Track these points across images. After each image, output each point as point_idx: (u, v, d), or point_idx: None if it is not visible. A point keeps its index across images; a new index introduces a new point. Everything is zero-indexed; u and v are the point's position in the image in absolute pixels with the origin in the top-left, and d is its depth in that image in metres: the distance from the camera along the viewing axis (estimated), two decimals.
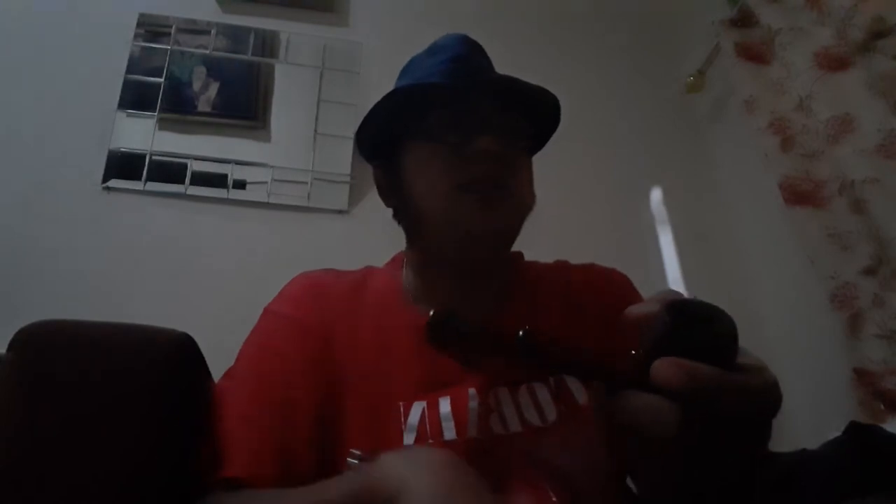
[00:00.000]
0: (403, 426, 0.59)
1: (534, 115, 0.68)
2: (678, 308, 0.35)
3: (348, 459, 0.48)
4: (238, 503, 0.53)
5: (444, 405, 0.60)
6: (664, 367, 0.33)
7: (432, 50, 0.71)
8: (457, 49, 0.68)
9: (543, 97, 0.67)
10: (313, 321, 0.65)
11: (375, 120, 0.66)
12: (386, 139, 0.68)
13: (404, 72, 0.73)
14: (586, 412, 0.62)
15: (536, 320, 0.68)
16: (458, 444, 0.57)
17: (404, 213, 0.70)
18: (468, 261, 0.65)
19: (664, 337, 0.34)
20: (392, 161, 0.69)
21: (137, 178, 1.48)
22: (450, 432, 0.58)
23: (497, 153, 0.60)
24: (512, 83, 0.65)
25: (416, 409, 0.60)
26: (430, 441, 0.58)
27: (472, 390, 0.61)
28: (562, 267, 0.78)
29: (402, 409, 0.60)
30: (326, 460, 0.58)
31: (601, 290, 0.73)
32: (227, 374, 0.65)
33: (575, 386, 0.63)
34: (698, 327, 0.34)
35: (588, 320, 0.69)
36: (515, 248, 0.70)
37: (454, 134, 0.62)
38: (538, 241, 0.76)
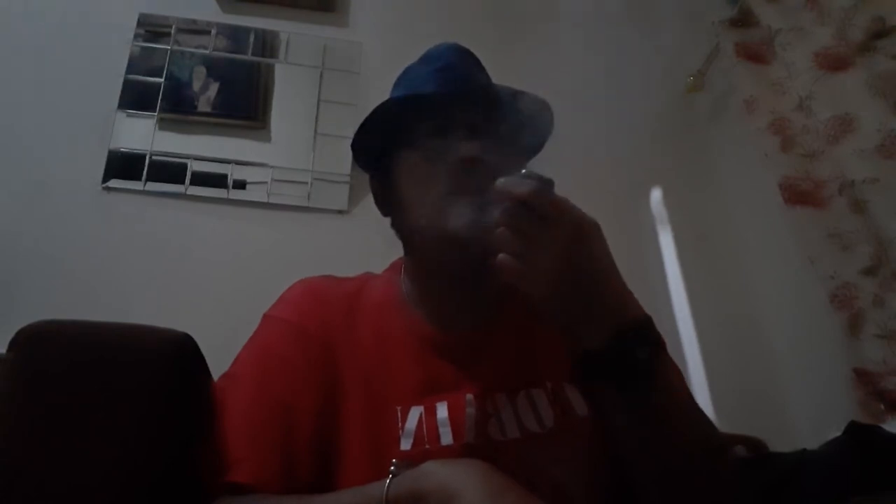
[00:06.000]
0: (401, 431, 0.59)
1: (525, 122, 0.68)
2: None
3: (391, 468, 0.48)
4: None
5: (442, 410, 0.60)
6: None
7: (425, 59, 0.72)
8: (447, 58, 0.69)
9: (534, 104, 0.67)
10: (313, 325, 0.65)
11: (368, 131, 0.67)
12: (379, 149, 0.69)
13: (398, 82, 0.73)
14: (584, 423, 0.62)
15: (533, 327, 0.68)
16: (454, 450, 0.57)
17: (398, 223, 0.70)
18: (459, 268, 0.65)
19: None
20: (385, 171, 0.70)
21: (137, 178, 1.48)
22: (447, 438, 0.58)
23: (482, 160, 0.60)
24: (499, 91, 0.65)
25: (414, 414, 0.60)
26: (427, 446, 0.58)
27: (469, 396, 0.61)
28: None
29: (399, 414, 0.60)
30: (325, 464, 0.58)
31: None
32: (226, 376, 0.65)
33: (573, 394, 0.64)
34: None
35: None
36: None
37: (441, 143, 0.62)
38: None
